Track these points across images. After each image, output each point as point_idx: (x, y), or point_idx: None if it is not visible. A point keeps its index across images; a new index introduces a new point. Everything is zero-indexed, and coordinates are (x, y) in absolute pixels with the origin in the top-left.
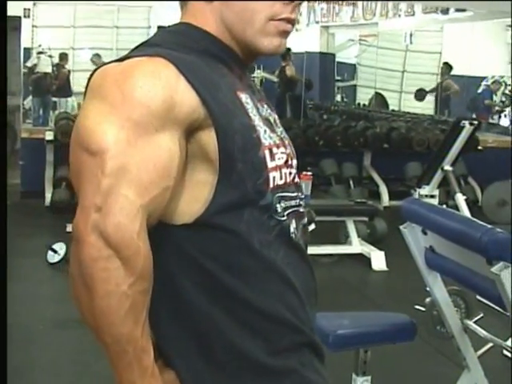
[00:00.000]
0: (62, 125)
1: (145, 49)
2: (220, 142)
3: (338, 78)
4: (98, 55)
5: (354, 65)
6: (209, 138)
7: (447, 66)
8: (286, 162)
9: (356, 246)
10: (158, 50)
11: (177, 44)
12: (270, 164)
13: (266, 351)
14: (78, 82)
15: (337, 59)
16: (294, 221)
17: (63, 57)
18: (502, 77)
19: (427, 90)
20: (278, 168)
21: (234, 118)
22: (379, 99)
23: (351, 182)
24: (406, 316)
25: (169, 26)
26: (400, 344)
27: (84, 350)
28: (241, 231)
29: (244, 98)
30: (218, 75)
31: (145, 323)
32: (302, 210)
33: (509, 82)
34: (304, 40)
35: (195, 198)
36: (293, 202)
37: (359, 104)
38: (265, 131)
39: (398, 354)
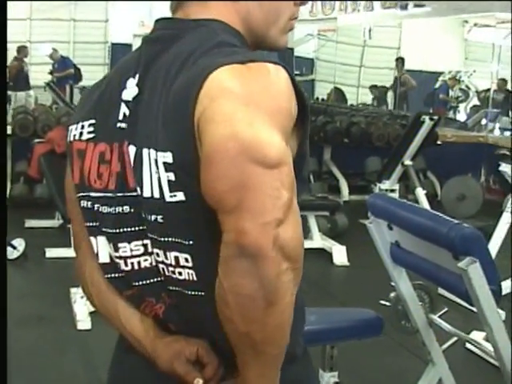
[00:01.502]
0: (19, 119)
1: (237, 50)
2: (300, 144)
3: (297, 72)
4: (54, 50)
5: (313, 59)
6: (294, 138)
7: (401, 61)
8: None
9: (317, 240)
10: (265, 54)
11: (246, 47)
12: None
13: (297, 343)
14: (35, 76)
15: (295, 54)
16: None
17: (21, 50)
18: (459, 72)
19: (387, 86)
20: None
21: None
22: (338, 94)
23: (311, 177)
24: (371, 311)
25: (196, 21)
26: (366, 339)
27: (44, 346)
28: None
29: None
30: None
31: None
32: None
33: (464, 78)
34: None
35: None
36: None
37: (318, 98)
38: None
39: (364, 349)
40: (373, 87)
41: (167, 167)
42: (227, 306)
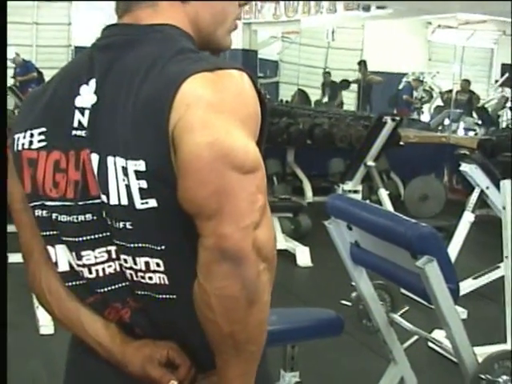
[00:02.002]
0: None
1: (201, 56)
2: (260, 147)
3: (261, 74)
4: (17, 54)
5: (277, 62)
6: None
7: (364, 64)
8: None
9: (281, 242)
10: (229, 62)
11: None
12: None
13: None
14: None
15: (259, 56)
16: None
17: None
18: (422, 73)
19: (350, 80)
20: None
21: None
22: (302, 96)
23: (275, 179)
24: (332, 311)
25: (151, 26)
26: (327, 339)
27: (7, 351)
28: None
29: None
30: None
31: None
32: None
33: (428, 79)
34: None
35: None
36: None
37: (282, 100)
38: None
39: (325, 348)
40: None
41: (139, 175)
42: (210, 309)
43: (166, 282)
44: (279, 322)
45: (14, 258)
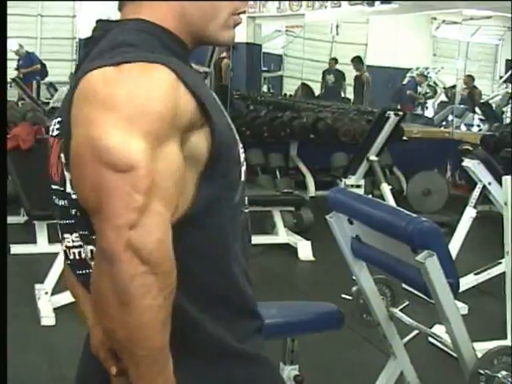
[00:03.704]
0: None
1: (127, 50)
2: (214, 143)
3: (265, 68)
4: (20, 46)
5: (281, 55)
6: (200, 139)
7: (358, 60)
8: None
9: (283, 236)
10: (148, 54)
11: (150, 46)
12: (242, 158)
13: (237, 339)
14: None
15: (263, 50)
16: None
17: None
18: (427, 68)
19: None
20: (244, 161)
21: (220, 119)
22: (305, 90)
23: (278, 173)
24: (332, 305)
25: (122, 21)
26: (327, 332)
27: (8, 342)
28: (219, 228)
29: (215, 95)
30: (196, 76)
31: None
32: None
33: (432, 74)
34: None
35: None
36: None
37: (285, 94)
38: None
39: (326, 342)
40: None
41: (65, 166)
42: (92, 302)
43: None
44: (279, 315)
45: (16, 249)
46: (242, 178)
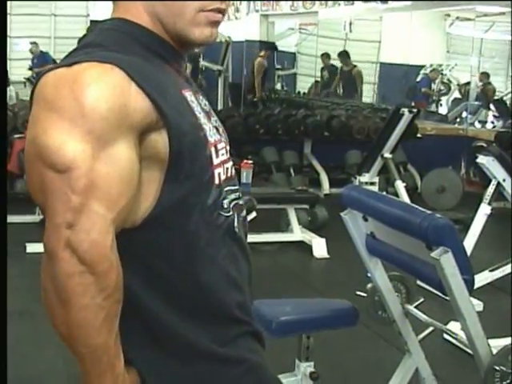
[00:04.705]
0: None
1: (89, 51)
2: (172, 143)
3: (278, 66)
4: (35, 43)
5: (294, 53)
6: (160, 139)
7: (345, 54)
8: (227, 155)
9: (297, 233)
10: (105, 54)
11: (120, 45)
12: (216, 161)
13: (215, 342)
14: (15, 72)
15: (276, 48)
16: (236, 215)
17: None
18: (440, 65)
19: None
20: (222, 163)
21: (183, 119)
22: (319, 87)
23: (292, 170)
24: (347, 302)
25: (102, 21)
26: (342, 329)
27: (25, 341)
28: (188, 230)
29: (189, 96)
30: (163, 75)
31: (117, 331)
32: (241, 202)
33: (446, 71)
34: (244, 29)
35: (145, 196)
36: (233, 196)
37: (299, 92)
38: (210, 128)
39: (341, 339)
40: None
41: None
42: (41, 298)
43: None
44: (295, 313)
45: (32, 248)
46: (216, 181)
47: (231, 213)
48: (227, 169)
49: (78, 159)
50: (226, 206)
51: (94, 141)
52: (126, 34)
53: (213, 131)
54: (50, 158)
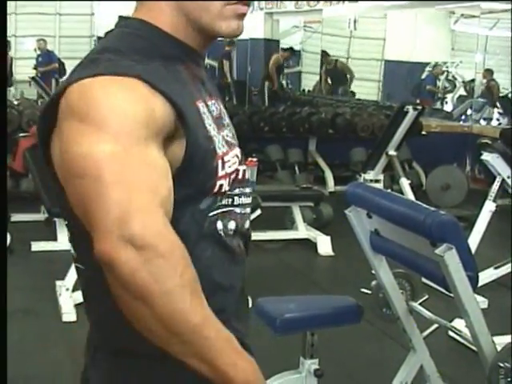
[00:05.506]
0: None
1: (112, 57)
2: (187, 153)
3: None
4: (43, 40)
5: (299, 51)
6: (177, 149)
7: (325, 53)
8: (240, 163)
9: (302, 231)
10: (128, 63)
11: (140, 53)
12: (221, 173)
13: None
14: (20, 71)
15: (281, 45)
16: (231, 222)
17: None
18: (445, 63)
19: None
20: (228, 176)
21: (199, 130)
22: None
23: (296, 168)
24: (351, 299)
25: (126, 20)
26: (346, 326)
27: (30, 339)
28: (178, 230)
29: (201, 107)
30: (180, 84)
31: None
32: (238, 210)
33: (451, 68)
34: (248, 27)
35: None
36: (243, 199)
37: (304, 90)
38: (219, 140)
39: (346, 336)
40: None
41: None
42: (125, 319)
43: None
44: (299, 310)
45: (37, 246)
46: (215, 190)
47: (218, 218)
48: (233, 179)
49: (110, 158)
50: (215, 212)
51: (125, 140)
52: (144, 39)
53: (222, 143)
54: (82, 165)
